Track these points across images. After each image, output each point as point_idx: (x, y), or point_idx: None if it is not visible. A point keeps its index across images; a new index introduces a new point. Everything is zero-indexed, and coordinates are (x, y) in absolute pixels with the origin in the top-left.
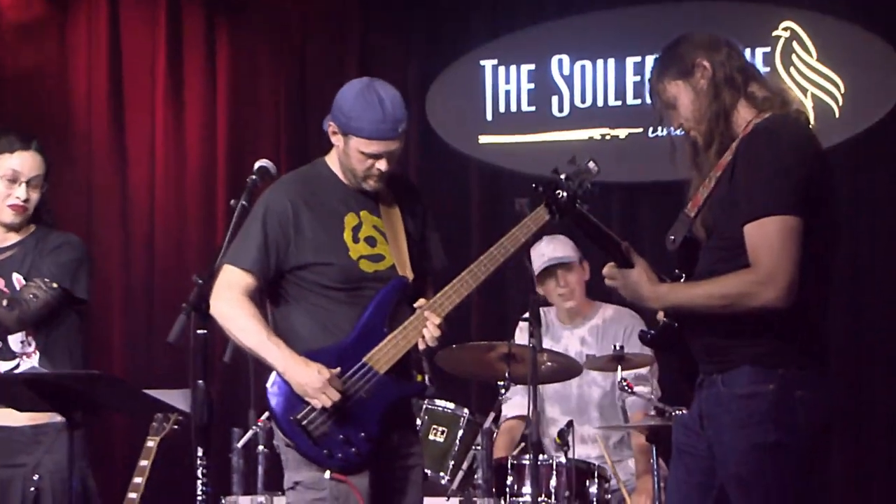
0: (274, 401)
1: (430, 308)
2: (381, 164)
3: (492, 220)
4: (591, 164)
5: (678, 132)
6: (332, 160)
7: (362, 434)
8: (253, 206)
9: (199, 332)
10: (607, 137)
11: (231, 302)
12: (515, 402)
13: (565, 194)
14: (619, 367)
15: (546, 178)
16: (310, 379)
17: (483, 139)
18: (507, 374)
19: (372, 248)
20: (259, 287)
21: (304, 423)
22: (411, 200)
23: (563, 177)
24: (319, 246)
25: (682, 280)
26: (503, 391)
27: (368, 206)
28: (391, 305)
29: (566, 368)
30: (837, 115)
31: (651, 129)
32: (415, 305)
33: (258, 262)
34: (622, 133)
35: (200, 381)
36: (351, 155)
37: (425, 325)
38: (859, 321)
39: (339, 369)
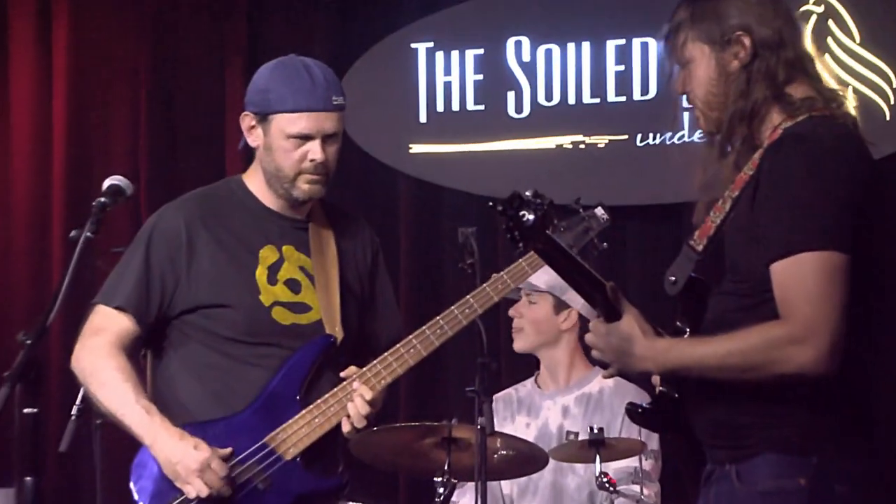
0: (138, 485)
1: (362, 378)
2: (315, 151)
3: (425, 254)
4: (600, 211)
5: (695, 137)
6: (252, 178)
7: None
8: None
9: (26, 410)
10: (581, 146)
11: (94, 351)
12: None
13: (532, 217)
14: (598, 457)
15: (508, 196)
16: (183, 457)
17: (415, 148)
18: (446, 467)
19: (294, 294)
20: (139, 334)
21: None
22: (356, 240)
23: (528, 193)
24: (220, 283)
25: (686, 335)
26: (441, 490)
27: (296, 239)
28: (310, 371)
29: (527, 458)
30: (888, 117)
31: (640, 135)
32: (342, 374)
33: (136, 301)
34: (601, 141)
35: (29, 478)
36: (275, 147)
37: (352, 401)
38: None
39: (229, 450)
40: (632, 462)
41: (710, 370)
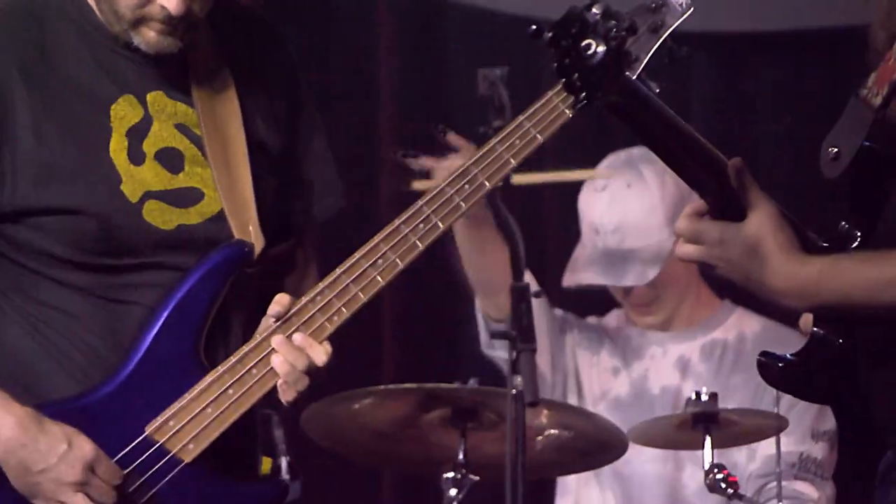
0: None
1: (302, 317)
2: None
3: (420, 111)
4: None
5: None
6: None
7: None
8: None
9: None
10: None
11: None
12: None
13: (602, 49)
14: (708, 440)
15: (561, 17)
16: (53, 460)
17: None
18: (460, 458)
19: (173, 174)
20: None
21: None
22: (264, 62)
23: (595, 11)
24: (54, 169)
25: (855, 243)
26: (453, 493)
27: (166, 79)
28: (213, 305)
29: (593, 443)
30: None
31: None
32: (270, 313)
33: None
34: None
35: None
36: None
37: (287, 357)
38: None
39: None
40: (797, 446)
41: (886, 305)
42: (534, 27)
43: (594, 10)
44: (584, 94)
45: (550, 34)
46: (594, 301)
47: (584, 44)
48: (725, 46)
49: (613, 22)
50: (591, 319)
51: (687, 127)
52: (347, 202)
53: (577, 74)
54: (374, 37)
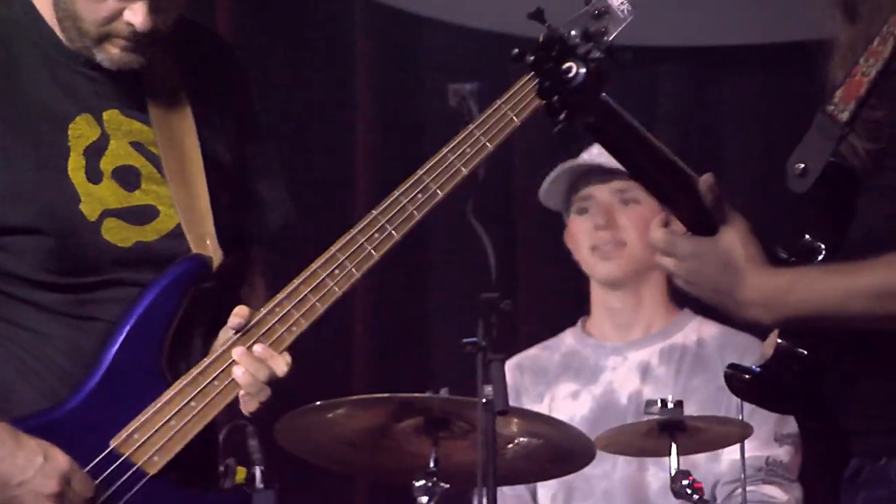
0: None
1: (262, 328)
2: (137, 15)
3: (394, 128)
4: (617, 2)
5: None
6: None
7: None
8: None
9: None
10: None
11: None
12: None
13: (581, 71)
14: (674, 447)
15: (542, 39)
16: (31, 473)
17: None
18: (431, 466)
19: (128, 192)
20: None
21: None
22: (221, 86)
23: (572, 34)
24: (15, 190)
25: (820, 257)
26: (424, 500)
27: (122, 97)
28: (174, 319)
29: (561, 451)
30: None
31: None
32: (230, 324)
33: None
34: None
35: None
36: None
37: (248, 368)
38: None
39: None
40: (762, 450)
41: (854, 317)
42: (516, 51)
43: (572, 32)
44: (562, 115)
45: (532, 57)
46: (548, 319)
47: (564, 67)
48: (692, 60)
49: (592, 45)
50: (543, 346)
51: (660, 145)
52: (323, 218)
53: (557, 97)
54: (351, 55)
